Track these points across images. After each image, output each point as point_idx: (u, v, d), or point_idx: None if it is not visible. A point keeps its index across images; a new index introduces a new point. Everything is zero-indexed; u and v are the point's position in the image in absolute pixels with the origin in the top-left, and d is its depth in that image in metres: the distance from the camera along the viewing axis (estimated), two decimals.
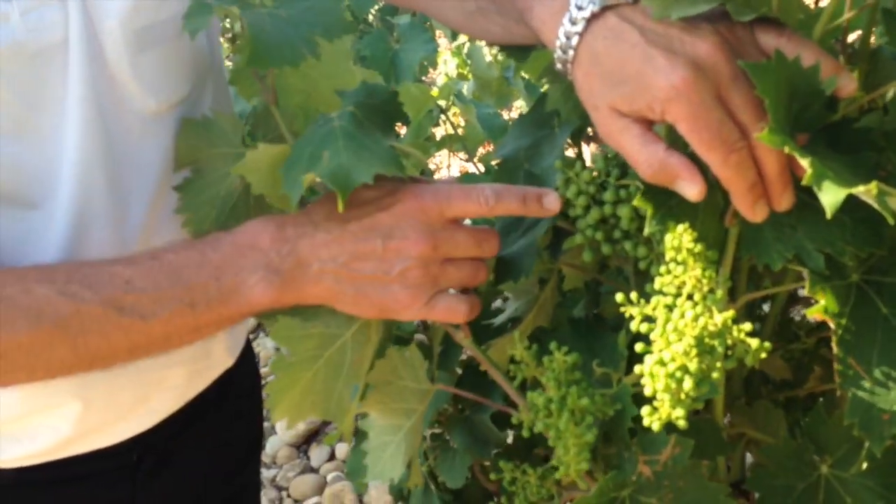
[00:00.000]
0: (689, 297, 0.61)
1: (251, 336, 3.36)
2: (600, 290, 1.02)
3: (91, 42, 0.79)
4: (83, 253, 0.82)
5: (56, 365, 0.72)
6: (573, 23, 0.63)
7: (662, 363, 0.59)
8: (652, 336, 0.61)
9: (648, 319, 0.62)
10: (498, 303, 1.10)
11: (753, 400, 0.83)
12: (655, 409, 0.60)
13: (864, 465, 0.69)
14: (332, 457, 2.75)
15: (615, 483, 0.68)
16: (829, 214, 0.49)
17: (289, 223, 0.74)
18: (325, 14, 0.79)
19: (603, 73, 0.62)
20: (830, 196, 0.49)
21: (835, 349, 0.61)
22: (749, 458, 0.85)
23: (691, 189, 0.60)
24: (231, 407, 1.10)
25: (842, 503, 0.69)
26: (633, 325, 0.62)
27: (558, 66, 0.66)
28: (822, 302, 0.60)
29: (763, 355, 0.60)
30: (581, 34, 0.63)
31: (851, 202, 0.50)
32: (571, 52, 0.64)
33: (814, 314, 0.61)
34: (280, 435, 2.88)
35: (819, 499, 0.70)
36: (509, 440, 1.00)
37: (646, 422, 0.61)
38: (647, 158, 0.60)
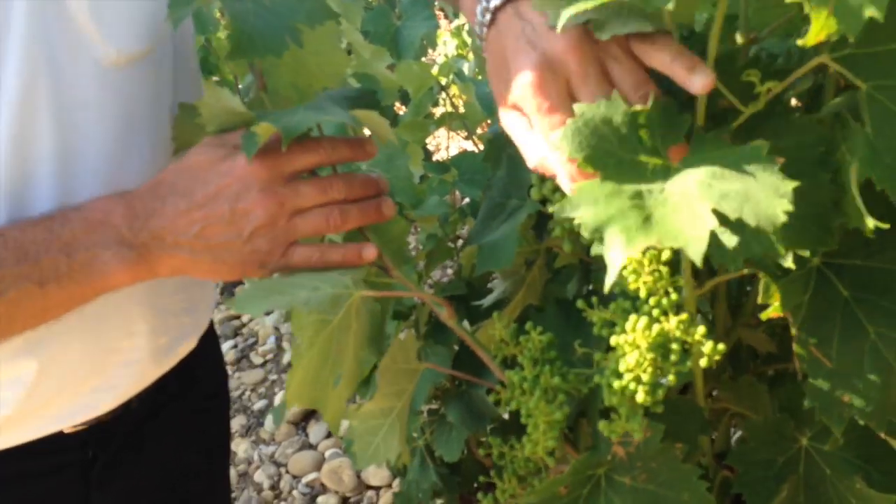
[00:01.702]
0: (645, 301, 0.64)
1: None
2: (591, 266, 1.05)
3: None
4: (26, 196, 0.77)
5: None
6: (483, 14, 0.66)
7: (618, 375, 0.63)
8: (612, 341, 0.64)
9: (610, 324, 0.65)
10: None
11: (740, 374, 0.86)
12: (612, 421, 0.64)
13: (842, 439, 0.71)
14: (330, 433, 2.80)
15: (591, 461, 0.71)
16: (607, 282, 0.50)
17: (137, 198, 0.75)
18: (306, 0, 0.81)
19: (494, 66, 0.66)
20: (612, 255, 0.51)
21: (794, 337, 0.64)
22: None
23: (565, 188, 0.62)
24: (194, 401, 1.08)
25: (821, 475, 0.72)
26: (595, 330, 0.66)
27: (481, 53, 0.71)
28: (776, 304, 0.63)
29: (717, 357, 0.63)
30: (488, 26, 0.66)
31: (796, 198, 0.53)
32: (481, 42, 0.68)
33: (769, 315, 0.63)
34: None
35: (799, 471, 0.73)
36: (505, 416, 1.03)
37: (605, 433, 0.65)
38: (529, 153, 0.63)
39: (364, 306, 0.83)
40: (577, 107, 0.55)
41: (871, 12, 0.43)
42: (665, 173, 0.55)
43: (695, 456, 0.75)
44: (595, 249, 0.51)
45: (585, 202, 0.52)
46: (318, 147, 0.77)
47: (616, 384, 0.64)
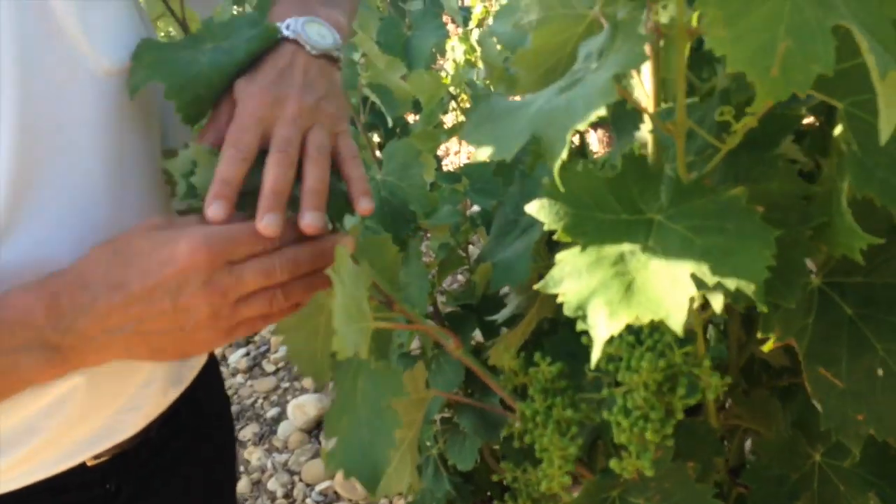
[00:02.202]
0: (650, 333, 0.64)
1: None
2: None
3: None
4: (35, 229, 0.76)
5: None
6: (286, 28, 0.79)
7: (626, 412, 0.63)
8: (618, 377, 0.64)
9: (616, 358, 0.65)
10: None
11: (753, 387, 0.85)
12: (621, 459, 0.64)
13: (857, 455, 0.71)
14: None
15: (604, 483, 0.71)
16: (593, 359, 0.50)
17: (63, 293, 0.69)
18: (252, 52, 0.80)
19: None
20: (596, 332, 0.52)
21: (802, 362, 0.64)
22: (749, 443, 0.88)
23: None
24: (201, 426, 1.07)
25: (835, 491, 0.72)
26: (601, 364, 0.66)
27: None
28: (772, 338, 0.62)
29: (724, 388, 0.63)
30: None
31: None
32: None
33: (770, 348, 0.63)
34: (292, 420, 2.95)
35: (813, 487, 0.73)
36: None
37: (616, 469, 0.65)
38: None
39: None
40: (552, 180, 0.55)
41: (818, 69, 0.43)
42: (647, 228, 0.55)
43: (709, 475, 0.75)
44: (580, 326, 0.51)
45: (567, 276, 0.52)
46: (264, 235, 0.71)
47: (624, 423, 0.65)
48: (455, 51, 2.45)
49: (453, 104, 1.96)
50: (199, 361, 1.02)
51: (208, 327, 0.70)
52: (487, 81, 2.02)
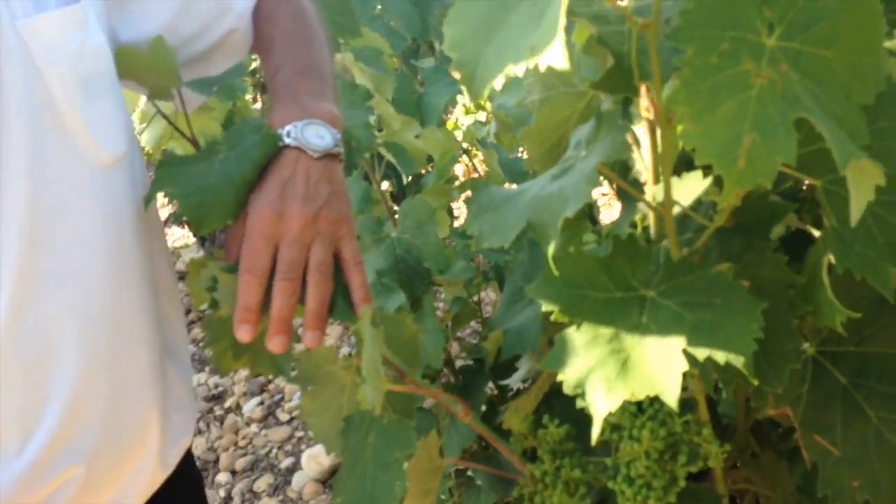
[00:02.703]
0: (651, 402, 0.66)
1: None
2: None
3: (34, 89, 0.78)
4: (40, 317, 0.80)
5: None
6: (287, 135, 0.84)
7: (629, 480, 0.65)
8: (621, 446, 0.66)
9: (618, 427, 0.68)
10: None
11: (763, 447, 0.87)
12: None
13: None
14: None
15: None
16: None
17: None
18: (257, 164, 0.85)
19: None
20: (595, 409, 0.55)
21: (797, 429, 0.66)
22: None
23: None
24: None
25: None
26: (605, 433, 0.68)
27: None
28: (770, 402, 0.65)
29: (724, 455, 0.65)
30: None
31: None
32: None
33: (765, 415, 0.65)
34: (306, 470, 2.91)
35: None
36: None
37: None
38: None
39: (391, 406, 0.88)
40: (552, 260, 0.58)
41: (781, 160, 0.46)
42: (641, 305, 0.58)
43: None
44: (579, 403, 0.53)
45: (566, 355, 0.54)
46: None
47: (628, 491, 0.67)
48: (465, 104, 2.51)
49: (466, 158, 2.00)
50: (185, 445, 1.03)
51: None
52: (499, 138, 2.07)
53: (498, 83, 0.49)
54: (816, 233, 0.72)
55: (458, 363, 1.55)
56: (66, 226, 0.81)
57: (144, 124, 1.57)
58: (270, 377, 3.44)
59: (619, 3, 0.56)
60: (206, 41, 1.00)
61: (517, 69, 0.47)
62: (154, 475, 0.96)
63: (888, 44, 0.71)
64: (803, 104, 0.48)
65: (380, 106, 1.77)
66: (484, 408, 1.36)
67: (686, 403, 0.70)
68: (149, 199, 0.87)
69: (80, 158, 0.83)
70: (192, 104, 1.03)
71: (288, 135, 0.84)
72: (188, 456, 1.11)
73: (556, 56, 0.44)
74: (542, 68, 0.44)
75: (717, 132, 0.46)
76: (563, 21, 0.43)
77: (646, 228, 0.79)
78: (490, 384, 1.37)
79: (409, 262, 1.40)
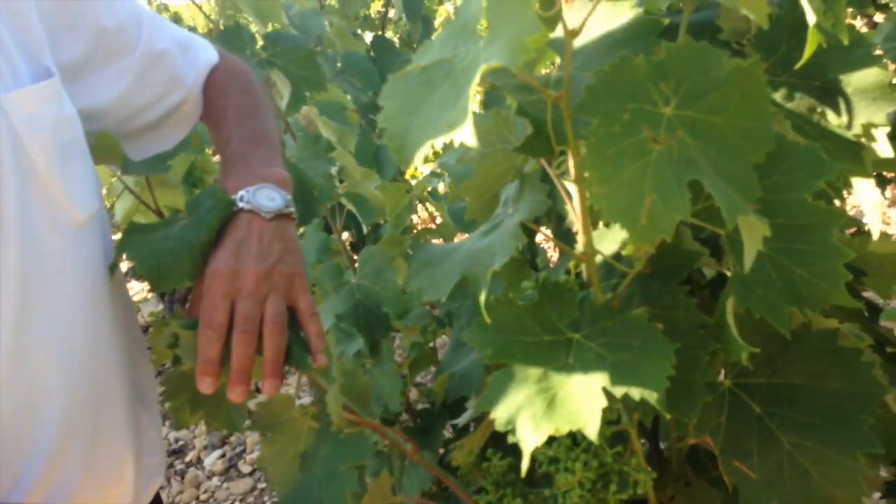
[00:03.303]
0: (583, 437, 0.71)
1: None
2: None
3: (20, 157, 0.83)
4: (28, 369, 0.83)
5: None
6: (240, 200, 0.90)
7: None
8: (556, 478, 0.71)
9: (554, 461, 0.73)
10: None
11: (697, 475, 0.92)
12: None
13: None
14: None
15: None
16: (523, 467, 0.59)
17: None
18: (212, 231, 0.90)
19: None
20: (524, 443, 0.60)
21: (718, 456, 0.71)
22: None
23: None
24: None
25: None
26: (543, 466, 0.73)
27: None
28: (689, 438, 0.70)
29: (651, 482, 0.70)
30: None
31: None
32: None
33: (686, 446, 0.71)
34: None
35: None
36: None
37: None
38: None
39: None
40: (483, 307, 0.63)
41: (678, 217, 0.52)
42: (567, 347, 0.63)
43: None
44: (510, 439, 0.58)
45: (497, 395, 0.59)
46: None
47: None
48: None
49: (423, 209, 2.06)
50: (156, 486, 1.07)
51: None
52: (452, 186, 2.13)
53: (422, 154, 0.54)
54: None
55: (419, 407, 1.59)
56: (51, 281, 0.86)
57: (114, 199, 1.62)
58: None
59: (538, 75, 0.62)
60: (156, 111, 1.06)
61: (437, 143, 0.52)
62: None
63: (790, 105, 0.78)
64: (697, 166, 0.53)
65: (342, 158, 1.83)
66: (443, 450, 1.40)
67: (619, 436, 0.75)
68: (114, 265, 0.92)
69: (60, 217, 0.88)
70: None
71: (241, 199, 0.90)
72: (157, 499, 1.14)
73: (466, 134, 0.49)
74: (456, 144, 0.49)
75: (621, 194, 0.52)
76: (472, 105, 0.49)
77: (578, 275, 0.85)
78: (449, 427, 1.41)
79: (367, 306, 1.44)
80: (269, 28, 2.18)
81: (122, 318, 0.97)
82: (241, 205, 0.90)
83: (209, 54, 1.11)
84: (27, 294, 0.84)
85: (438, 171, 2.22)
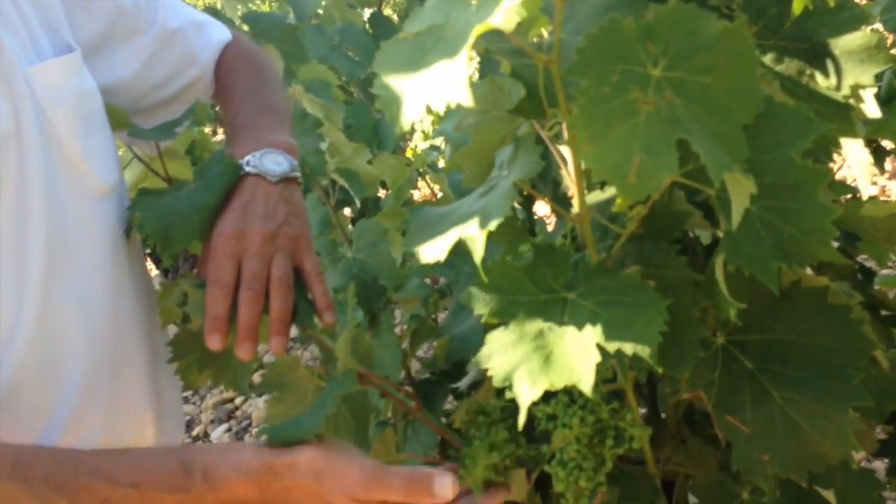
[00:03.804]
0: (580, 394, 0.73)
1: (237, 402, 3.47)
2: None
3: (44, 128, 0.86)
4: (54, 333, 0.86)
5: None
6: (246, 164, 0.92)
7: (563, 464, 0.72)
8: (554, 434, 0.73)
9: (553, 417, 0.74)
10: None
11: (693, 434, 0.94)
12: None
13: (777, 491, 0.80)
14: None
15: None
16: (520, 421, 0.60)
17: (268, 498, 0.77)
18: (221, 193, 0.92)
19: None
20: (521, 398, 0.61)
21: (711, 412, 0.73)
22: None
23: None
24: None
25: None
26: (542, 423, 0.75)
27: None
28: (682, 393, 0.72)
29: (646, 438, 0.72)
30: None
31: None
32: None
33: (680, 399, 0.72)
34: None
35: None
36: None
37: None
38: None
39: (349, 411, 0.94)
40: (481, 268, 0.64)
41: (666, 175, 0.53)
42: (562, 306, 0.65)
43: None
44: (507, 394, 0.60)
45: (495, 352, 0.61)
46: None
47: (561, 473, 0.73)
48: (423, 122, 2.59)
49: (423, 183, 2.07)
50: None
51: None
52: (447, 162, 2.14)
53: (418, 117, 0.55)
54: None
55: (421, 378, 1.61)
56: (74, 247, 0.89)
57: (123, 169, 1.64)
58: (237, 404, 3.46)
59: (530, 39, 0.63)
60: (171, 88, 1.09)
61: (434, 105, 0.53)
62: None
63: (779, 67, 0.79)
64: (684, 126, 0.55)
65: (331, 133, 1.83)
66: (444, 420, 1.42)
67: (616, 394, 0.76)
68: (129, 228, 0.94)
69: (83, 187, 0.91)
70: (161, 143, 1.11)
71: (248, 163, 0.92)
72: None
73: (462, 95, 0.50)
74: (453, 105, 0.51)
75: (611, 153, 0.53)
76: (466, 66, 0.50)
77: (575, 238, 0.87)
78: (450, 397, 1.43)
79: (364, 279, 1.45)
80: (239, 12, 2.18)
81: (142, 285, 1.00)
82: (247, 169, 0.92)
83: (223, 33, 1.14)
84: (52, 259, 0.86)
85: (437, 144, 2.23)
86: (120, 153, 1.03)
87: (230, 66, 1.12)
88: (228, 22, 1.75)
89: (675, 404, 0.91)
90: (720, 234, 0.82)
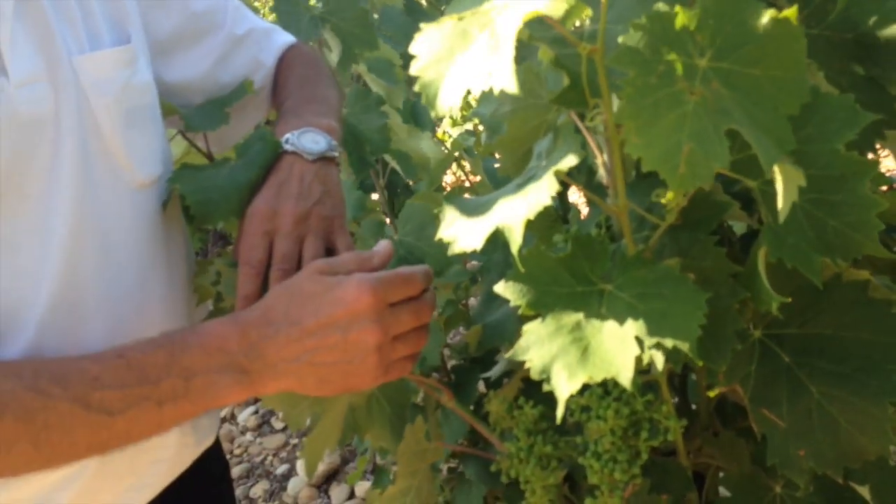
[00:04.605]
0: (615, 385, 0.71)
1: None
2: None
3: (84, 117, 0.86)
4: (74, 318, 0.85)
5: (16, 459, 0.73)
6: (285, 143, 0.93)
7: (598, 456, 0.70)
8: (588, 426, 0.72)
9: (586, 409, 0.73)
10: None
11: (727, 427, 0.92)
12: (595, 497, 0.72)
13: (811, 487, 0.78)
14: (351, 495, 2.82)
15: None
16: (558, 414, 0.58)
17: (251, 325, 0.77)
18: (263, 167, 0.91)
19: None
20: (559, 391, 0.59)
21: (747, 405, 0.71)
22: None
23: None
24: (205, 492, 1.13)
25: None
26: (576, 414, 0.73)
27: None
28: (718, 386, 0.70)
29: (680, 431, 0.70)
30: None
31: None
32: None
33: (715, 393, 0.71)
34: (301, 476, 2.97)
35: None
36: None
37: None
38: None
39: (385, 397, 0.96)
40: (517, 258, 0.63)
41: (716, 165, 0.51)
42: (599, 298, 0.63)
43: None
44: (545, 387, 0.58)
45: (532, 344, 0.60)
46: (416, 281, 0.81)
47: (595, 465, 0.72)
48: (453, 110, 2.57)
49: (454, 167, 2.05)
50: (207, 441, 1.10)
51: (371, 361, 0.77)
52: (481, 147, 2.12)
53: (457, 101, 0.54)
54: None
55: (451, 364, 1.59)
56: (104, 237, 0.89)
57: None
58: None
59: (573, 27, 0.61)
60: None
61: (475, 90, 0.52)
62: (172, 468, 1.02)
63: (823, 57, 0.76)
64: (733, 117, 0.53)
65: (391, 116, 1.82)
66: (473, 408, 1.40)
67: (650, 385, 0.75)
68: (167, 200, 0.94)
69: (119, 178, 0.91)
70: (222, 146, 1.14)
71: (286, 141, 0.92)
72: (216, 446, 1.17)
73: (507, 81, 0.49)
74: (497, 91, 0.49)
75: (659, 143, 0.51)
76: (512, 51, 0.48)
77: (609, 228, 0.85)
78: (481, 384, 1.42)
79: (410, 262, 1.43)
80: None
81: (179, 271, 0.99)
82: (285, 147, 0.92)
83: (286, 38, 1.17)
84: (78, 245, 0.86)
85: (472, 129, 2.20)
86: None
87: (288, 63, 1.14)
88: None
89: (709, 397, 0.90)
90: (755, 225, 0.80)
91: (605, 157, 0.79)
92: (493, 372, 1.14)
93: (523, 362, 1.09)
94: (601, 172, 0.85)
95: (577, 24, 0.69)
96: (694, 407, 0.96)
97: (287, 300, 0.78)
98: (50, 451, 0.73)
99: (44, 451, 0.73)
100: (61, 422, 0.72)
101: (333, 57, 1.69)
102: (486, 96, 1.07)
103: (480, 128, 2.32)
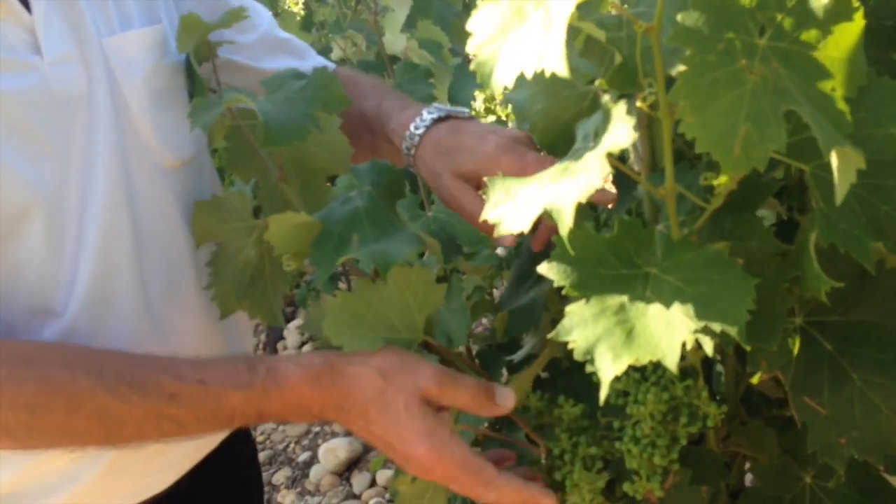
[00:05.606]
0: (653, 370, 0.69)
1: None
2: None
3: (115, 97, 0.87)
4: (107, 300, 0.86)
5: (87, 442, 0.76)
6: (417, 127, 0.91)
7: (636, 440, 0.68)
8: (627, 410, 0.69)
9: (624, 393, 0.71)
10: None
11: (752, 417, 0.90)
12: (633, 482, 0.69)
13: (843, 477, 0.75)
14: (373, 483, 2.80)
15: None
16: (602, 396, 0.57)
17: (331, 403, 0.77)
18: (321, 90, 0.88)
19: (443, 150, 0.88)
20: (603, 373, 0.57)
21: (788, 392, 0.69)
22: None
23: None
24: (232, 472, 1.14)
25: None
26: (612, 399, 0.71)
27: (405, 153, 0.92)
28: (759, 373, 0.67)
29: (721, 417, 0.68)
30: (427, 128, 0.90)
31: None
32: (417, 139, 0.91)
33: (758, 381, 0.68)
34: (323, 463, 2.95)
35: None
36: None
37: (629, 492, 0.70)
38: (480, 213, 0.70)
39: None
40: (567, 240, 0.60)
41: (773, 147, 0.49)
42: (644, 281, 0.61)
43: (719, 498, 0.79)
44: (589, 368, 0.56)
45: (576, 325, 0.57)
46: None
47: (634, 450, 0.70)
48: (476, 100, 2.54)
49: None
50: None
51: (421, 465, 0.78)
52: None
53: (511, 81, 0.52)
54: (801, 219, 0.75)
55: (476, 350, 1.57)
56: (138, 216, 0.89)
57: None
58: None
59: (621, 8, 0.59)
60: None
61: (527, 71, 0.50)
62: (199, 447, 1.02)
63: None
64: (792, 97, 0.50)
65: (438, 97, 1.79)
66: None
67: (685, 372, 0.72)
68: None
69: (149, 159, 0.91)
70: None
71: (430, 112, 0.94)
72: (244, 430, 1.17)
73: (558, 64, 0.47)
74: (547, 74, 0.47)
75: (715, 123, 0.49)
76: (564, 34, 0.46)
77: (640, 213, 0.82)
78: (505, 371, 1.40)
79: (443, 238, 1.41)
80: None
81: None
82: (438, 114, 0.93)
83: (325, 60, 1.16)
84: (113, 225, 0.86)
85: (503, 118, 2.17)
86: None
87: (346, 79, 1.08)
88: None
89: (737, 386, 0.87)
90: (785, 214, 0.77)
91: (640, 141, 0.76)
92: (517, 355, 1.12)
93: (546, 348, 1.08)
94: (632, 158, 0.83)
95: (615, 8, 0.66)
96: (718, 398, 0.94)
97: (373, 396, 0.76)
98: (120, 440, 0.77)
99: (115, 440, 0.77)
100: (134, 423, 0.75)
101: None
102: (520, 81, 1.04)
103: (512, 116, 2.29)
